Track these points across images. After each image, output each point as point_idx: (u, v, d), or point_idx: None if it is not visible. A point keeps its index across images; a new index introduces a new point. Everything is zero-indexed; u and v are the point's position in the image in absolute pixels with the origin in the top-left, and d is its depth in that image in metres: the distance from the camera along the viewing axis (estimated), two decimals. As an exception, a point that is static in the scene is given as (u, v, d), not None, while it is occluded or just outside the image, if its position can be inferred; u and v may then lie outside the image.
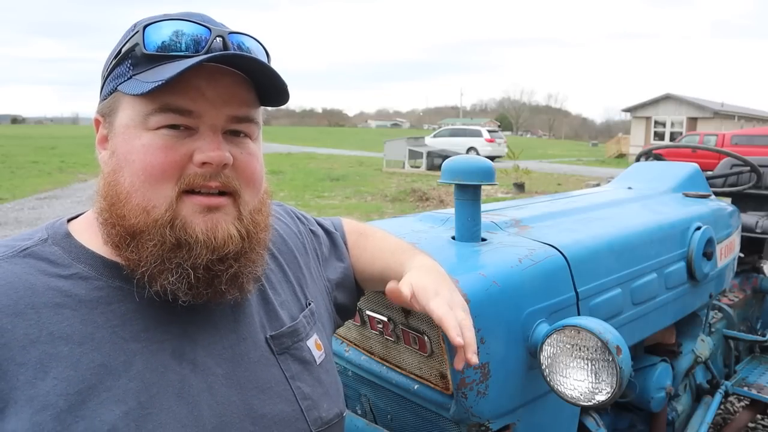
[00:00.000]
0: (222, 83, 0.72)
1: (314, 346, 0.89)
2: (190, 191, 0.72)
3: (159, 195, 0.71)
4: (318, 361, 0.88)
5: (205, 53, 0.71)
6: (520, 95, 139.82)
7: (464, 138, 25.74)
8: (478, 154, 17.86)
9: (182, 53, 0.71)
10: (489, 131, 26.87)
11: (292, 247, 0.98)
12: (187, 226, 0.71)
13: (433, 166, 17.40)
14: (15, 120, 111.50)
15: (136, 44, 0.72)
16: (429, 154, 18.26)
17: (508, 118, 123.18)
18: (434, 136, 26.43)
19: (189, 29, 0.73)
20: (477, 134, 26.07)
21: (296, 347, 0.86)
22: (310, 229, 1.05)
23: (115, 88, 0.74)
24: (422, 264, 0.98)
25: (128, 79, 0.72)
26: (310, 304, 0.94)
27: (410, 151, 18.60)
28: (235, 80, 0.74)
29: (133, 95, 0.71)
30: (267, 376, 0.80)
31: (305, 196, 12.03)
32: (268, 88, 0.77)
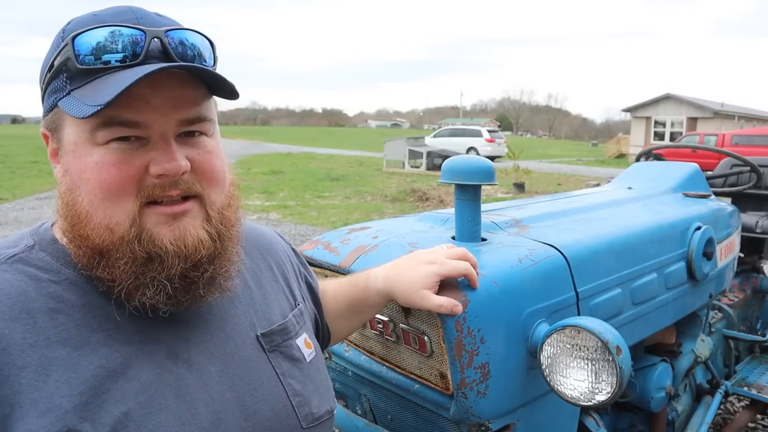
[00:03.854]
0: (167, 86, 0.69)
1: (304, 344, 0.90)
2: (151, 202, 0.70)
3: (120, 211, 0.69)
4: (308, 359, 0.89)
5: (143, 58, 0.68)
6: (520, 95, 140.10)
7: (464, 138, 25.75)
8: (478, 154, 17.86)
9: (118, 63, 0.68)
10: (489, 131, 26.88)
11: (279, 252, 1.00)
12: (155, 238, 0.70)
13: (433, 166, 17.41)
14: (15, 120, 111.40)
15: (68, 58, 0.68)
16: (429, 154, 18.26)
17: (508, 118, 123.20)
18: (434, 136, 26.44)
19: (122, 34, 0.68)
20: (477, 134, 26.08)
21: (286, 345, 0.87)
22: (300, 261, 1.09)
23: (56, 104, 0.70)
24: (382, 268, 1.08)
25: (66, 94, 0.69)
26: (298, 304, 0.96)
27: (410, 151, 18.60)
28: (180, 81, 0.70)
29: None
30: (258, 374, 0.81)
31: (305, 196, 12.02)
32: (219, 83, 0.73)
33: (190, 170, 0.72)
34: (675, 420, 1.91)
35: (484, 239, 1.33)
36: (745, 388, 2.27)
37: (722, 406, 3.06)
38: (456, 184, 1.26)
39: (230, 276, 0.78)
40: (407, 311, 1.21)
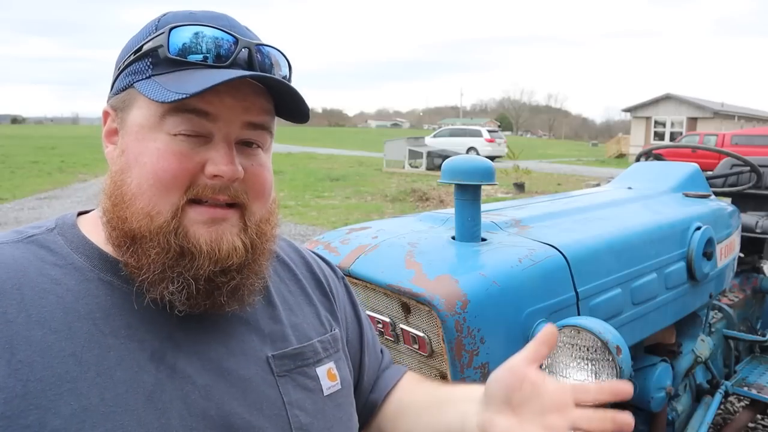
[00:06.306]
0: (242, 92, 0.71)
1: (326, 374, 0.82)
2: (195, 200, 0.70)
3: (165, 201, 0.69)
4: (326, 392, 0.81)
5: (230, 64, 0.71)
6: (520, 95, 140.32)
7: (464, 138, 25.78)
8: (478, 154, 17.87)
9: (206, 62, 0.70)
10: (489, 131, 26.92)
11: (318, 275, 0.94)
12: (191, 235, 0.69)
13: (433, 166, 17.42)
14: (15, 120, 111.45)
15: (160, 45, 0.70)
16: (429, 154, 18.28)
17: (508, 118, 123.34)
18: (434, 136, 26.47)
19: (215, 36, 0.71)
20: (477, 134, 26.11)
21: (300, 371, 0.80)
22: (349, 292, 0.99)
23: (131, 84, 0.72)
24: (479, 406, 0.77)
25: (147, 78, 0.71)
26: (334, 330, 0.88)
27: (410, 151, 18.62)
28: (255, 90, 0.72)
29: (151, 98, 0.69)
30: (258, 397, 0.75)
31: (305, 196, 12.03)
32: (288, 103, 0.76)
33: (241, 180, 0.72)
34: (675, 420, 1.91)
35: (484, 239, 1.33)
36: (745, 388, 2.27)
37: (722, 406, 3.06)
38: (456, 184, 1.26)
39: (255, 290, 0.76)
40: (407, 311, 1.21)
